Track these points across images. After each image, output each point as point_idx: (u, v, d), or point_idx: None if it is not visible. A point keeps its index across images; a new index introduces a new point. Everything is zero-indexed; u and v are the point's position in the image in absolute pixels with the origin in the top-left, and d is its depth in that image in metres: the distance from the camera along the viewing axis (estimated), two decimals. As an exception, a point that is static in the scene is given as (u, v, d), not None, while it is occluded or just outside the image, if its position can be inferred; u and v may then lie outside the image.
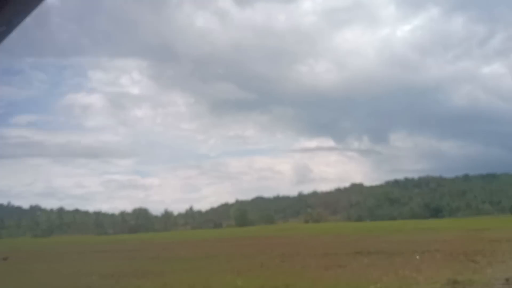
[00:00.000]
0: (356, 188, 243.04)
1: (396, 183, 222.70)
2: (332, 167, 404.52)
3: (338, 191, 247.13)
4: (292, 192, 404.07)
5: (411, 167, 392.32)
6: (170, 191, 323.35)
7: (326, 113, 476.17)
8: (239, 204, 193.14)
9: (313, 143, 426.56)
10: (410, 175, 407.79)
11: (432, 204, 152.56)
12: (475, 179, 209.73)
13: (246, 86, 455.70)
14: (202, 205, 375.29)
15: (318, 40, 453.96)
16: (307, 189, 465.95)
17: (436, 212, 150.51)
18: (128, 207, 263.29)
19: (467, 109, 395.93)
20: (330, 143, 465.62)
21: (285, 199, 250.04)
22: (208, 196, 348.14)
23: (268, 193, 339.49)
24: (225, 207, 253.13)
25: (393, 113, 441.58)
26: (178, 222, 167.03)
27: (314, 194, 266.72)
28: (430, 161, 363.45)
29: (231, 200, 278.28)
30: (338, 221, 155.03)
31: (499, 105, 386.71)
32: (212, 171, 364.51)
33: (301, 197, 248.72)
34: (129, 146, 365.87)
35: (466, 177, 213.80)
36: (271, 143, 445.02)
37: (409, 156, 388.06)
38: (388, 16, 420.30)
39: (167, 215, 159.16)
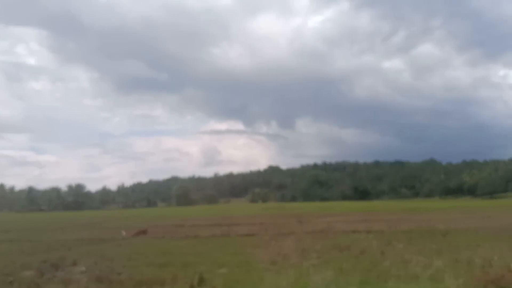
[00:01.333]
0: (274, 170, 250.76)
1: (316, 166, 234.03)
2: (241, 150, 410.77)
3: (258, 172, 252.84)
4: (205, 173, 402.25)
5: (314, 152, 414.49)
6: (68, 170, 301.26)
7: (237, 97, 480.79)
8: (175, 182, 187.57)
9: (223, 125, 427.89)
10: (313, 160, 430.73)
11: (360, 187, 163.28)
12: (384, 165, 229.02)
13: (156, 65, 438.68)
14: (104, 185, 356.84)
15: (232, 24, 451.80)
16: (213, 171, 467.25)
17: (364, 195, 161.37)
18: (20, 184, 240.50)
19: (368, 100, 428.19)
20: (240, 126, 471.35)
21: (202, 180, 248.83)
22: (111, 176, 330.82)
23: (175, 174, 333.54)
24: (138, 186, 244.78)
25: (300, 101, 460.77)
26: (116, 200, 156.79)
27: (230, 175, 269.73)
28: (332, 147, 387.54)
29: (143, 179, 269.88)
30: (273, 201, 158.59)
31: (396, 98, 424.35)
32: (116, 151, 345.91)
33: (218, 179, 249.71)
34: (24, 121, 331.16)
35: (377, 163, 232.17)
36: (180, 124, 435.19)
37: (313, 142, 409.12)
38: (301, 6, 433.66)
39: (105, 192, 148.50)
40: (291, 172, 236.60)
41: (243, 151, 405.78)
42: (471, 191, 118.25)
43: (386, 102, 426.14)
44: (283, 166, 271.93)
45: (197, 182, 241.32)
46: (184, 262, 15.01)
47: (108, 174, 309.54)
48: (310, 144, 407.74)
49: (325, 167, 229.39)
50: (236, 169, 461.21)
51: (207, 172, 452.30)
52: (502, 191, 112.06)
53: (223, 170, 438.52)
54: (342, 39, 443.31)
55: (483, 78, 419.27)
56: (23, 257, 17.41)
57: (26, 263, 15.53)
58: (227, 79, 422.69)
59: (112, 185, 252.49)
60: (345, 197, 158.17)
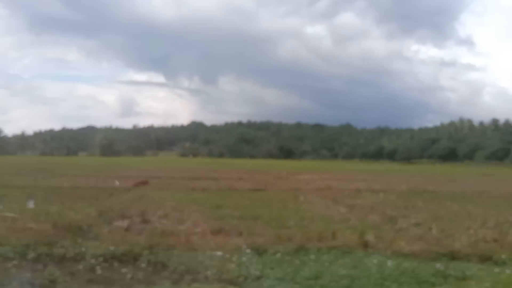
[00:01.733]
0: (198, 125, 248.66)
1: (241, 124, 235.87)
2: (161, 103, 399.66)
3: (182, 127, 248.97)
4: (122, 124, 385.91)
5: (236, 110, 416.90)
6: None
7: (160, 48, 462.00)
8: (91, 131, 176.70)
9: (142, 76, 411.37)
10: (235, 118, 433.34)
11: (285, 147, 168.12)
12: (305, 127, 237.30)
13: (74, 5, 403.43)
14: (9, 130, 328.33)
15: None
16: (131, 122, 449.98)
17: (289, 154, 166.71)
18: None
19: (290, 63, 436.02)
20: (161, 79, 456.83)
21: (121, 130, 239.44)
22: (18, 119, 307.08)
23: (90, 123, 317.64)
24: (51, 133, 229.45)
25: (224, 57, 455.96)
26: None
27: (153, 128, 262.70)
28: (254, 106, 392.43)
29: (55, 126, 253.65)
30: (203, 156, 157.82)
31: (317, 64, 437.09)
32: (24, 94, 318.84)
33: (139, 131, 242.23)
34: None
35: (298, 125, 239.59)
36: (96, 71, 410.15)
37: (236, 100, 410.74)
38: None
39: (23, 137, 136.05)
40: (215, 129, 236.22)
41: (163, 104, 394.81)
42: (390, 156, 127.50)
43: (307, 66, 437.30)
44: (206, 122, 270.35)
45: (116, 133, 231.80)
46: (263, 216, 14.10)
47: (14, 118, 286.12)
48: (232, 101, 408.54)
49: (250, 125, 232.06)
50: (155, 122, 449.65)
51: (125, 123, 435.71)
52: (418, 157, 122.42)
53: (141, 122, 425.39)
54: None
55: (397, 51, 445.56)
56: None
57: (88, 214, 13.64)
58: (149, 28, 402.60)
59: (17, 130, 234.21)
60: (271, 156, 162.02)
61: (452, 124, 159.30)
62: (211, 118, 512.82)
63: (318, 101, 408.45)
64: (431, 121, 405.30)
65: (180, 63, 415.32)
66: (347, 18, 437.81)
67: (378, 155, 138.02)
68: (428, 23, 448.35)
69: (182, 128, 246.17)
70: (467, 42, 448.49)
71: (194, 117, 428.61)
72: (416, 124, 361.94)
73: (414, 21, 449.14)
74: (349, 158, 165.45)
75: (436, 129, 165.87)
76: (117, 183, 25.56)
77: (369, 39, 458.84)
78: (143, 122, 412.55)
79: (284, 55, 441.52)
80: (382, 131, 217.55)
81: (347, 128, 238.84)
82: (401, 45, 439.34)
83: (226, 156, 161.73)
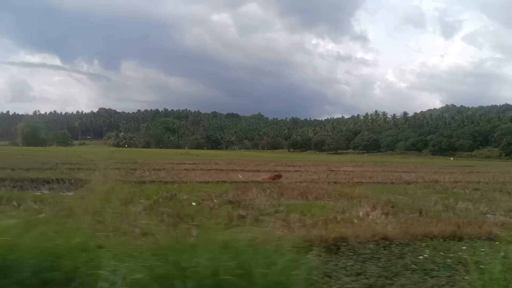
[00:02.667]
0: (111, 113, 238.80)
1: (157, 113, 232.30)
2: (56, 87, 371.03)
3: (92, 114, 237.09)
4: (13, 109, 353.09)
5: (139, 97, 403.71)
6: None
7: (56, 28, 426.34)
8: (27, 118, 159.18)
9: (36, 58, 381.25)
10: (139, 106, 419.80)
11: (212, 137, 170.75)
12: (221, 117, 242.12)
13: None
14: None
15: None
16: (23, 108, 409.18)
17: (216, 144, 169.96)
18: None
19: (195, 50, 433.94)
20: (56, 61, 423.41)
21: (18, 117, 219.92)
22: None
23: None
24: None
25: (127, 41, 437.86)
26: None
27: (60, 115, 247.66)
28: (158, 94, 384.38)
29: None
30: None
31: (222, 52, 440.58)
32: None
33: (44, 117, 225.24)
34: None
35: (215, 114, 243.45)
36: None
37: (139, 87, 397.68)
38: None
39: None
40: (130, 116, 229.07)
41: (59, 89, 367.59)
42: (318, 147, 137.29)
43: (212, 55, 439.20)
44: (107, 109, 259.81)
45: (13, 119, 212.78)
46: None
47: None
48: (136, 88, 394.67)
49: (167, 114, 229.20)
50: (50, 108, 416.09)
51: (16, 109, 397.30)
52: (344, 148, 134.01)
53: (36, 108, 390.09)
54: None
55: (298, 44, 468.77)
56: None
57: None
58: (44, 5, 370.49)
59: None
60: (198, 146, 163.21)
61: (367, 116, 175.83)
62: (113, 104, 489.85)
63: (223, 89, 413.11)
64: (328, 112, 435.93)
65: (78, 45, 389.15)
66: (252, 8, 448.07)
67: (305, 145, 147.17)
68: (327, 18, 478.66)
69: (93, 114, 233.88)
70: (361, 38, 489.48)
71: (94, 103, 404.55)
72: (315, 114, 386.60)
73: (314, 16, 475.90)
74: (273, 148, 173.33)
75: (352, 120, 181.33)
76: (240, 176, 25.69)
77: (272, 30, 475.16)
78: (38, 107, 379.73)
79: (190, 42, 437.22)
80: (295, 122, 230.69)
81: (260, 118, 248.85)
82: (302, 38, 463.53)
83: (152, 146, 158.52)
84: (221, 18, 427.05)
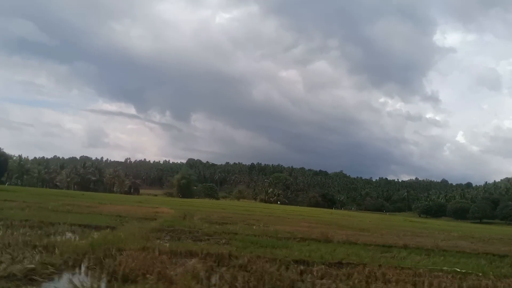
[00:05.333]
0: (196, 164, 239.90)
1: (253, 166, 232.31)
2: (130, 135, 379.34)
3: (175, 164, 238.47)
4: (88, 154, 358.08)
5: (205, 148, 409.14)
6: None
7: (134, 80, 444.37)
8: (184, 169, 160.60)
9: (113, 106, 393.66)
10: (204, 156, 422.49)
11: (328, 195, 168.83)
12: (309, 173, 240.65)
13: (49, 29, 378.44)
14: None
15: (137, 1, 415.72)
16: (97, 153, 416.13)
17: (331, 203, 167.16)
18: None
19: (262, 105, 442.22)
20: (132, 110, 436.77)
21: (110, 163, 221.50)
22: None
23: (52, 152, 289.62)
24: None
25: (198, 94, 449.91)
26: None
27: (144, 163, 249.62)
28: (223, 146, 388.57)
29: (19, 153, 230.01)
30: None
31: (289, 107, 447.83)
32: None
33: (129, 165, 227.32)
34: None
35: (303, 171, 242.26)
36: (65, 98, 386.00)
37: (206, 138, 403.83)
38: (211, 0, 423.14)
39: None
40: (224, 169, 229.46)
41: (132, 136, 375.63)
42: (457, 214, 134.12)
43: (278, 110, 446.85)
44: (172, 158, 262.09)
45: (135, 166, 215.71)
46: None
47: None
48: (203, 139, 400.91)
49: (261, 168, 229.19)
50: (121, 154, 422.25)
51: (91, 154, 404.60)
52: (490, 217, 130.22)
53: (107, 154, 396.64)
54: (247, 41, 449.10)
55: (365, 102, 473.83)
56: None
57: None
58: (124, 59, 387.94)
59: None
60: (317, 204, 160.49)
61: (499, 183, 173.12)
62: (179, 154, 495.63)
63: (287, 144, 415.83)
64: (394, 172, 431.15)
65: (153, 96, 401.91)
66: (321, 66, 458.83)
67: (439, 212, 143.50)
68: (397, 78, 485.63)
69: (176, 164, 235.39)
70: (432, 98, 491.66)
71: (162, 152, 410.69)
72: (382, 173, 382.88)
73: (384, 75, 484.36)
74: (376, 210, 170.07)
75: (487, 188, 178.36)
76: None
77: (340, 88, 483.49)
78: (110, 153, 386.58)
79: (257, 97, 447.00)
80: (389, 182, 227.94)
81: (342, 176, 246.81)
82: (370, 96, 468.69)
83: (303, 205, 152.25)
84: (290, 74, 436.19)
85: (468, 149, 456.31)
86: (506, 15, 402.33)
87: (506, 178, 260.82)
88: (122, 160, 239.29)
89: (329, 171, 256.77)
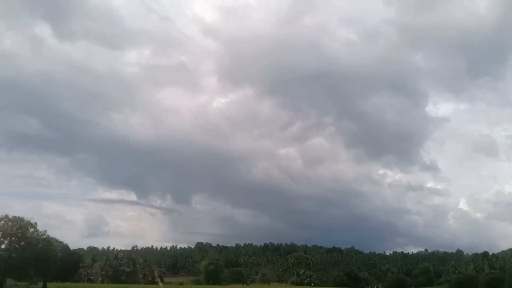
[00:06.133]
0: (204, 247, 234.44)
1: (266, 247, 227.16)
2: (130, 222, 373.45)
3: (188, 249, 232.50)
4: (88, 243, 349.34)
5: (207, 230, 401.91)
6: None
7: (133, 166, 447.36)
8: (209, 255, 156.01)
9: (113, 194, 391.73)
10: (206, 238, 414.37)
11: (352, 273, 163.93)
12: (322, 251, 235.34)
13: (51, 123, 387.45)
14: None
15: (137, 91, 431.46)
16: (97, 242, 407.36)
17: (357, 282, 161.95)
18: None
19: (262, 182, 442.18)
20: (132, 197, 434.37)
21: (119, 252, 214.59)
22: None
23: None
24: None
25: (198, 176, 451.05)
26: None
27: (152, 250, 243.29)
28: (225, 227, 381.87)
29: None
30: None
31: (288, 184, 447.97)
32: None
33: (136, 252, 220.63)
34: None
35: (316, 248, 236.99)
36: (65, 189, 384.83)
37: (207, 220, 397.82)
38: (208, 85, 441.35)
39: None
40: (232, 251, 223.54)
41: (132, 223, 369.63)
42: (491, 286, 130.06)
43: (278, 186, 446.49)
44: (173, 243, 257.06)
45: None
46: None
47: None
48: (203, 221, 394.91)
49: (274, 248, 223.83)
50: (121, 242, 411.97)
51: (91, 243, 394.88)
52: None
53: (107, 243, 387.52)
54: (244, 122, 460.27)
55: (365, 174, 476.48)
56: None
57: None
58: (125, 147, 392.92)
59: None
60: (342, 284, 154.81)
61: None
62: (181, 238, 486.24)
63: (287, 221, 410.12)
64: (400, 244, 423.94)
65: (153, 181, 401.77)
66: (318, 142, 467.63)
67: (472, 285, 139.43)
68: (394, 149, 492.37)
69: (188, 250, 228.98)
70: (432, 168, 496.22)
71: (164, 237, 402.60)
72: (387, 247, 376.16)
73: (380, 147, 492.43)
74: (401, 286, 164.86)
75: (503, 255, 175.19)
76: None
77: (338, 162, 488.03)
78: (109, 242, 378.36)
79: (257, 175, 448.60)
80: (405, 256, 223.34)
81: (355, 252, 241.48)
82: (369, 169, 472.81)
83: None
84: (288, 151, 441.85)
85: (472, 216, 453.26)
86: (495, 83, 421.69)
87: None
88: (128, 248, 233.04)
89: (335, 246, 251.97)
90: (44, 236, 54.03)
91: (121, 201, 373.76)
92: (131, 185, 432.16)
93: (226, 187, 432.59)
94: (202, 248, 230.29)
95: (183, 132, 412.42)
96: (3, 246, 47.66)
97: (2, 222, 52.02)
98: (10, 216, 52.73)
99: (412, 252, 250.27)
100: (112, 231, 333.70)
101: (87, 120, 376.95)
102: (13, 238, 50.30)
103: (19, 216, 51.90)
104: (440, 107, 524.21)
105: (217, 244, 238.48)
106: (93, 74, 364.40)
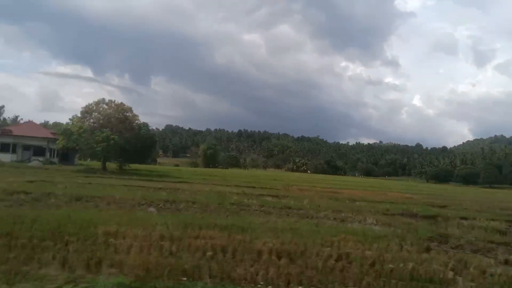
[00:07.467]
0: (175, 130, 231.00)
1: (240, 133, 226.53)
2: (86, 98, 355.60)
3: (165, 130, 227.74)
4: (41, 118, 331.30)
5: (165, 112, 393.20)
6: None
7: (90, 41, 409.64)
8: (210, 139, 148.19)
9: (68, 69, 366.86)
10: (163, 120, 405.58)
11: (332, 162, 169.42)
12: (291, 139, 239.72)
13: None
14: None
15: None
16: (51, 117, 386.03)
17: (335, 170, 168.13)
18: None
19: (224, 68, 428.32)
20: (88, 73, 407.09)
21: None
22: None
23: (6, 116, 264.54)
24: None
25: (158, 57, 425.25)
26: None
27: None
28: (183, 110, 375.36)
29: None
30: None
31: (251, 71, 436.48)
32: None
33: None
34: None
35: (286, 135, 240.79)
36: (16, 60, 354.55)
37: (166, 102, 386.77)
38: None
39: None
40: (204, 135, 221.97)
41: (89, 100, 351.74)
42: (465, 179, 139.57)
43: (240, 73, 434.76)
44: (174, 126, 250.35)
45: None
46: None
47: None
48: (163, 103, 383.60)
49: (248, 135, 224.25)
50: None
51: (45, 117, 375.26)
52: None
53: (62, 118, 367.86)
54: (210, 2, 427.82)
55: (327, 66, 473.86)
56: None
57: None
58: (79, 20, 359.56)
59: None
60: (323, 171, 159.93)
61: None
62: (141, 119, 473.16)
63: (249, 108, 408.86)
64: (354, 135, 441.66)
65: (110, 59, 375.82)
66: (284, 30, 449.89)
67: (447, 177, 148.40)
68: (359, 42, 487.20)
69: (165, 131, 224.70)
70: (393, 63, 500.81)
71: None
72: (341, 137, 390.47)
73: (346, 39, 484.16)
74: (367, 175, 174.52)
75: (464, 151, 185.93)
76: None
77: (302, 52, 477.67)
78: (67, 118, 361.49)
79: (219, 60, 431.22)
80: (372, 147, 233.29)
81: (320, 141, 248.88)
82: (332, 61, 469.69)
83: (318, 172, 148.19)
84: (252, 38, 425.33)
85: (424, 112, 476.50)
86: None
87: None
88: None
89: (304, 136, 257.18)
90: (140, 122, 48.29)
91: (76, 77, 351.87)
92: (87, 60, 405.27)
93: (187, 71, 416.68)
94: (173, 130, 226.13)
95: (141, 9, 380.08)
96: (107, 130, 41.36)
97: (104, 105, 46.11)
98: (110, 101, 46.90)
99: (381, 141, 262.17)
100: (67, 106, 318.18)
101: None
102: (118, 124, 44.29)
103: (121, 102, 46.10)
104: (409, 0, 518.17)
105: (189, 128, 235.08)
106: None
